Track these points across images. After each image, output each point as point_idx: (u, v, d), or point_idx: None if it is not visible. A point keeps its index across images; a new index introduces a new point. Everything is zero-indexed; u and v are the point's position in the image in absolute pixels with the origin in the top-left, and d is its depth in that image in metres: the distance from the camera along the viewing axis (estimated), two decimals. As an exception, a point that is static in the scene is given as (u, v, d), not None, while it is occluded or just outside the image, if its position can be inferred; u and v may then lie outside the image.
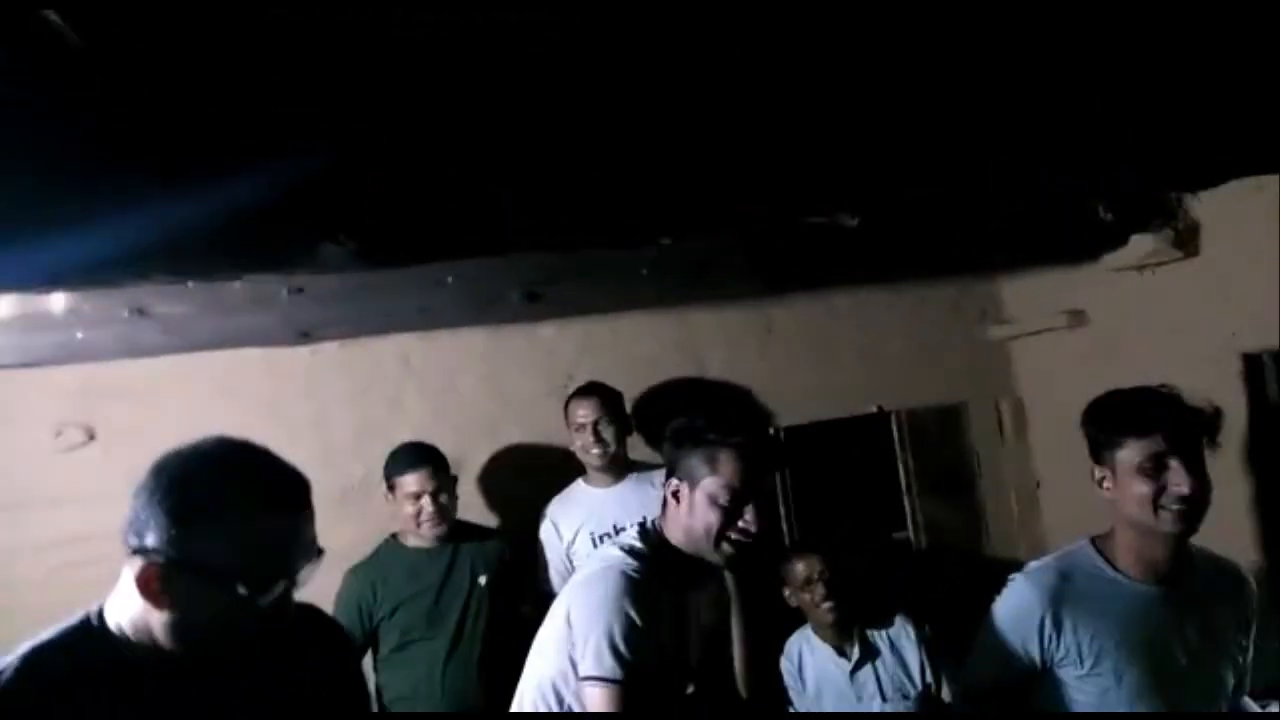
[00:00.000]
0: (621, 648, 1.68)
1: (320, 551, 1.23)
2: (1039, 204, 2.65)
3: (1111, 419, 1.87)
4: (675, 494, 1.82)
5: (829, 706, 2.86)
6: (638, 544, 1.85)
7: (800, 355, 3.61)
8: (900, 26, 1.35)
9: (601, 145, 1.80)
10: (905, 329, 3.72)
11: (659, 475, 2.98)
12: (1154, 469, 1.77)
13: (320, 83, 1.43)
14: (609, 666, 1.68)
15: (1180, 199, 2.78)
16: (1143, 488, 1.79)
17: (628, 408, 3.10)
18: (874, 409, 3.68)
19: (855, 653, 2.85)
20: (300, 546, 1.20)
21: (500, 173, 1.86)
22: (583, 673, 1.71)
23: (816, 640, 2.90)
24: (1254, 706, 1.96)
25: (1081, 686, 1.89)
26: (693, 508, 1.78)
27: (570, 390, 3.13)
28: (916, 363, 3.71)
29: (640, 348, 3.45)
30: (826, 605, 2.80)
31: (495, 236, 2.16)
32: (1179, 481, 1.75)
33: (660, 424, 3.31)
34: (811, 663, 2.91)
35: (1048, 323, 3.51)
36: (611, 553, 1.85)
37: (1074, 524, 2.03)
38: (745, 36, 1.38)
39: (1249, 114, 1.85)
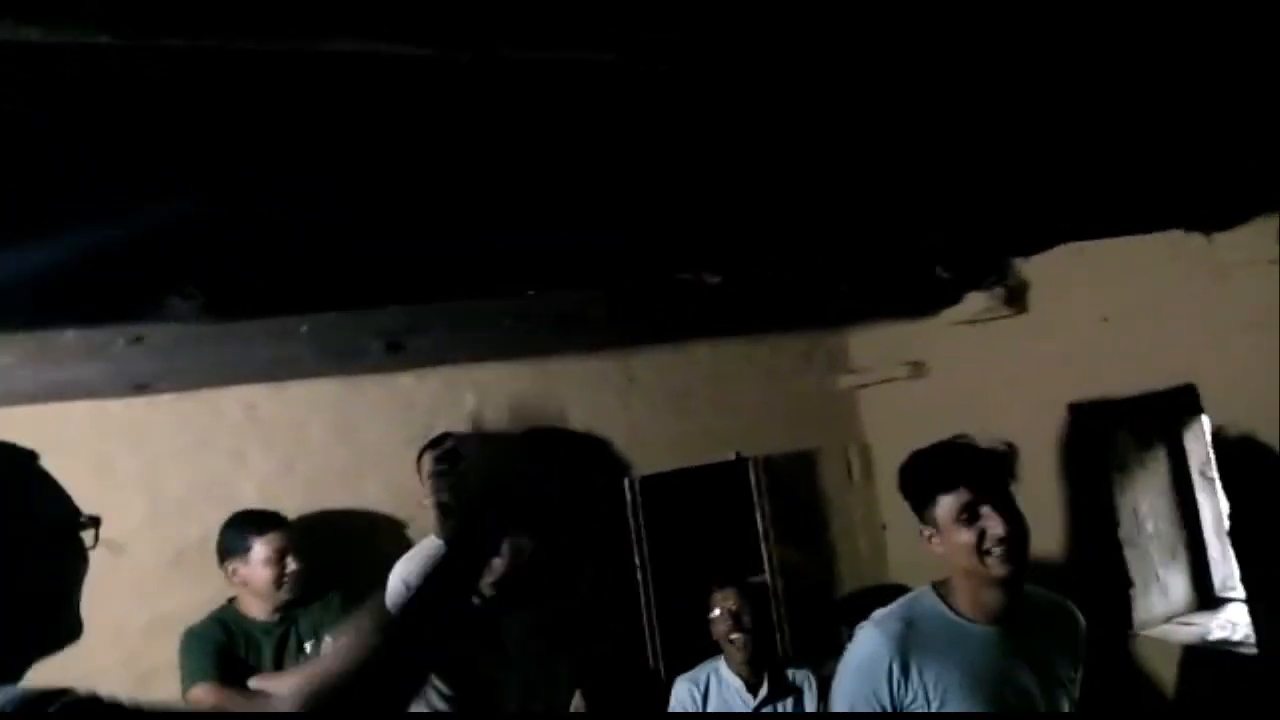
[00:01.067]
0: None
1: None
2: (884, 263, 2.80)
3: (918, 480, 1.98)
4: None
5: None
6: None
7: (661, 404, 3.66)
8: (757, 102, 1.41)
9: (467, 197, 1.78)
10: (761, 378, 3.83)
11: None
12: (969, 518, 1.88)
13: (173, 127, 1.36)
14: None
15: (1010, 261, 2.99)
16: (963, 538, 1.89)
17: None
18: (732, 456, 3.76)
19: (764, 691, 2.89)
20: None
21: (361, 222, 1.81)
22: None
23: (727, 672, 2.92)
24: None
25: None
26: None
27: (428, 440, 3.06)
28: (772, 411, 3.83)
29: (501, 398, 3.41)
30: (738, 638, 2.85)
31: (355, 288, 2.09)
32: (994, 525, 1.86)
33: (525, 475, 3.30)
34: (717, 693, 2.92)
35: (891, 372, 3.69)
36: None
37: (917, 564, 2.13)
38: (615, 100, 1.40)
39: (1073, 186, 2.01)
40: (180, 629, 2.68)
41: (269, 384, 3.03)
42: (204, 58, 1.16)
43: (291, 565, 2.69)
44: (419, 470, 2.95)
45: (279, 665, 2.68)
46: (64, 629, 1.13)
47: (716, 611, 2.91)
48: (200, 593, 2.79)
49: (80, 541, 1.15)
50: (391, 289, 2.09)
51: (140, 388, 2.51)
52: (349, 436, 3.19)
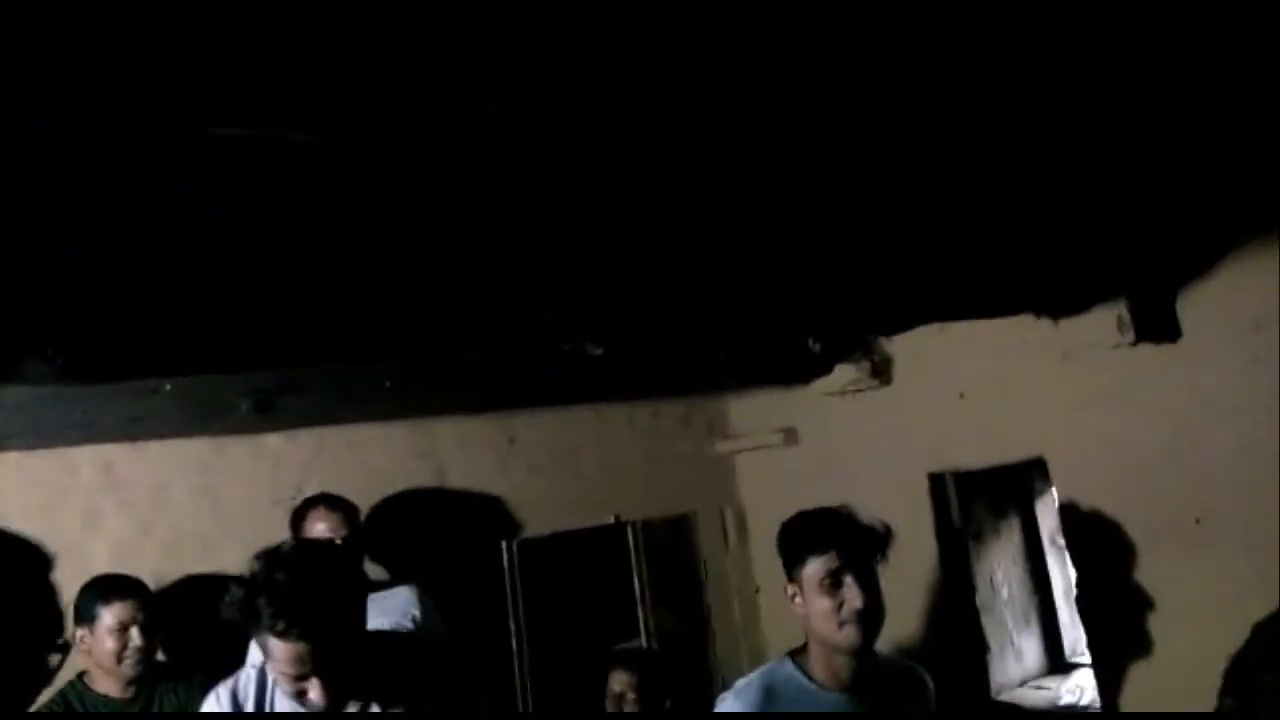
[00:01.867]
0: None
1: None
2: (760, 334, 2.89)
3: (795, 538, 2.06)
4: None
5: None
6: None
7: (541, 467, 3.65)
8: (628, 185, 1.46)
9: (342, 259, 1.77)
10: (641, 443, 3.87)
11: (391, 596, 2.88)
12: (831, 585, 1.95)
13: (27, 180, 1.31)
14: None
15: (876, 337, 3.13)
16: (823, 604, 1.96)
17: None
18: (611, 519, 3.77)
19: None
20: None
21: (231, 283, 1.77)
22: None
23: None
24: None
25: None
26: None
27: (298, 502, 2.96)
28: (651, 474, 3.86)
29: (377, 458, 3.33)
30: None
31: (224, 347, 2.03)
32: (853, 597, 1.93)
33: (399, 538, 3.23)
34: None
35: (766, 439, 3.79)
36: None
37: (789, 626, 2.18)
38: (489, 171, 1.43)
39: (933, 271, 2.14)
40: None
41: (128, 443, 2.89)
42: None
43: (135, 639, 2.49)
44: (295, 532, 2.84)
45: None
46: None
47: (610, 693, 2.88)
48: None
49: None
50: (263, 349, 2.04)
51: (-12, 445, 2.36)
52: (212, 497, 3.06)
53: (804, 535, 2.06)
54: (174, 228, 1.47)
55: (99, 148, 1.24)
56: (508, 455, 3.60)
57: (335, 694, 1.76)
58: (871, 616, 1.97)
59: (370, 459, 3.31)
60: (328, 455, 3.24)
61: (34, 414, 2.32)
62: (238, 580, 1.76)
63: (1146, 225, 2.20)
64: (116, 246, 1.47)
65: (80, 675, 2.56)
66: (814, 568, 1.99)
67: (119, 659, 2.48)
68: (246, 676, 1.93)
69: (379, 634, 2.48)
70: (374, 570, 3.09)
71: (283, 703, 1.83)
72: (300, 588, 1.69)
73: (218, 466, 3.07)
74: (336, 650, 1.74)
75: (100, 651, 2.48)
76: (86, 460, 2.89)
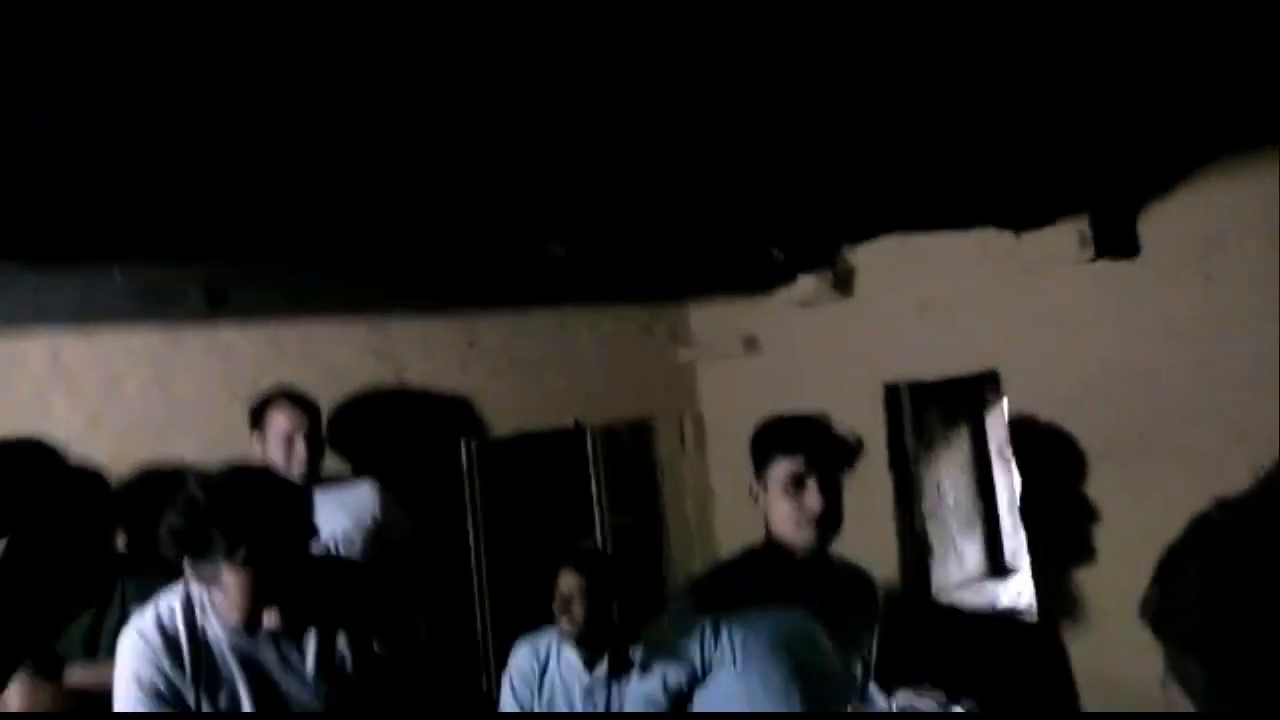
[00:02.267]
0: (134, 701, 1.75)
1: None
2: (724, 242, 2.87)
3: (766, 439, 2.10)
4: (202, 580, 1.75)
5: (556, 711, 2.85)
6: None
7: (502, 370, 3.64)
8: (612, 76, 1.42)
9: (298, 143, 1.71)
10: (602, 348, 3.87)
11: (348, 490, 2.89)
12: (794, 487, 2.00)
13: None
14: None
15: (839, 248, 3.13)
16: (784, 504, 2.01)
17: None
18: (570, 423, 3.79)
19: (602, 667, 2.88)
20: None
21: (189, 166, 1.71)
22: None
23: (568, 646, 2.90)
24: (879, 697, 2.25)
25: (734, 687, 2.09)
26: (213, 602, 1.76)
27: (256, 398, 2.93)
28: (611, 380, 3.88)
29: (334, 355, 3.30)
30: (566, 626, 2.78)
31: (177, 234, 1.97)
32: (814, 501, 1.98)
33: (359, 436, 3.23)
34: (555, 666, 2.88)
35: (727, 347, 3.81)
36: None
37: (742, 531, 2.23)
38: (468, 61, 1.38)
39: (898, 181, 2.13)
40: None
41: (77, 331, 2.83)
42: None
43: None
44: (256, 426, 2.81)
45: (98, 631, 2.50)
46: None
47: (559, 594, 2.88)
48: None
49: None
50: (216, 238, 1.99)
51: (-71, 329, 2.29)
52: (164, 389, 3.02)
53: (775, 437, 2.09)
54: (133, 104, 1.41)
55: (63, 14, 1.18)
56: (468, 357, 3.59)
57: (291, 620, 1.75)
58: (829, 521, 2.02)
59: (327, 356, 3.28)
60: (283, 351, 3.21)
61: (-22, 298, 2.26)
62: (177, 506, 1.69)
63: (1110, 141, 2.20)
64: (71, 119, 1.41)
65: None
66: (780, 469, 2.03)
67: None
68: (169, 607, 1.79)
69: (329, 558, 2.50)
70: (336, 464, 3.10)
71: (217, 630, 1.77)
72: (252, 512, 1.64)
73: (170, 359, 3.03)
74: (288, 575, 1.73)
75: None
76: (35, 349, 2.84)
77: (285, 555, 1.71)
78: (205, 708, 1.74)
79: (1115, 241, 2.45)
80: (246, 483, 1.74)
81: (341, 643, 1.86)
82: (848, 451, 2.12)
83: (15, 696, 2.32)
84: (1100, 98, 1.94)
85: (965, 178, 2.20)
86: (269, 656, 1.80)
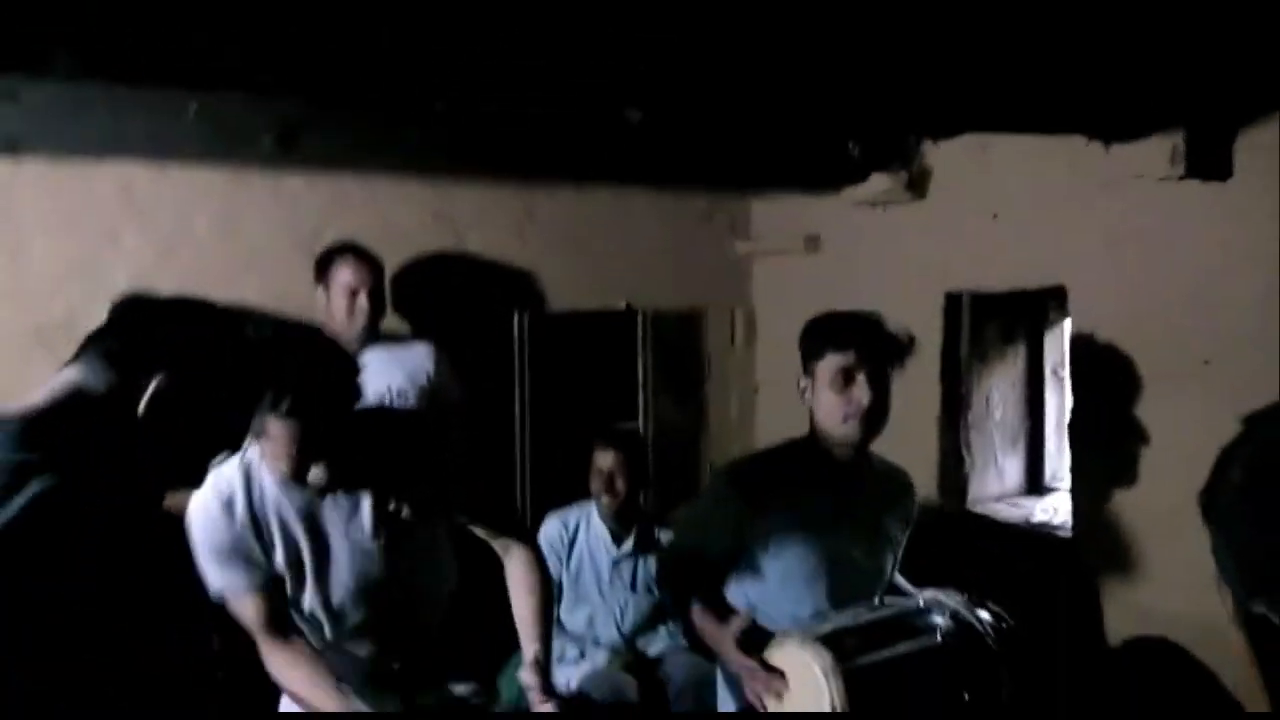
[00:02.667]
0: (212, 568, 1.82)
1: None
2: (800, 130, 2.81)
3: (818, 333, 2.09)
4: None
5: (582, 586, 2.98)
6: None
7: (558, 244, 3.63)
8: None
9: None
10: (661, 233, 3.83)
11: (406, 349, 2.95)
12: (844, 381, 2.00)
13: None
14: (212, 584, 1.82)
15: (918, 144, 3.04)
16: (832, 398, 2.01)
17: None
18: (622, 306, 3.80)
19: (629, 543, 2.98)
20: None
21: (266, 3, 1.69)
22: None
23: (597, 520, 2.99)
24: (909, 588, 2.29)
25: (767, 570, 2.14)
26: (264, 455, 1.79)
27: (320, 249, 2.97)
28: (666, 266, 3.85)
29: (395, 214, 3.31)
30: (608, 500, 2.91)
31: (252, 70, 1.96)
32: (862, 395, 1.98)
33: (417, 298, 3.27)
34: (584, 540, 2.99)
35: (787, 244, 3.76)
36: None
37: (782, 429, 2.25)
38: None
39: (989, 76, 2.05)
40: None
41: (148, 164, 2.86)
42: None
43: None
44: (321, 278, 2.85)
45: None
46: None
47: (595, 468, 2.96)
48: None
49: None
50: (293, 76, 1.97)
51: (10, 146, 2.33)
52: (232, 231, 3.05)
53: (827, 331, 2.08)
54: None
55: None
56: (525, 228, 3.58)
57: (336, 475, 1.77)
58: (875, 417, 2.03)
59: (389, 214, 3.29)
60: (347, 205, 3.21)
61: (56, 120, 2.29)
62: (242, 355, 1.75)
63: (1214, 55, 2.09)
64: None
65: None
66: (830, 363, 2.03)
67: None
68: (224, 472, 1.85)
69: (386, 410, 2.55)
70: (396, 323, 3.15)
71: (271, 485, 1.81)
72: (300, 368, 1.68)
73: (239, 201, 3.06)
74: (333, 432, 1.74)
75: None
76: (108, 179, 2.87)
77: (329, 412, 1.73)
78: (270, 559, 1.81)
79: (1207, 162, 2.35)
80: (296, 339, 1.79)
81: (396, 497, 1.89)
82: (899, 348, 2.10)
83: None
84: (1211, 7, 1.84)
85: (1060, 79, 2.10)
86: (327, 511, 1.85)
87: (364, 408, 1.88)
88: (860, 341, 2.02)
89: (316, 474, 1.74)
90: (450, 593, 2.06)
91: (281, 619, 1.84)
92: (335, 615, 1.89)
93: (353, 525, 1.86)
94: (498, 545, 2.06)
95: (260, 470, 1.82)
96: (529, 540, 2.13)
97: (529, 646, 1.95)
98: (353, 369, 1.80)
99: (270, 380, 1.66)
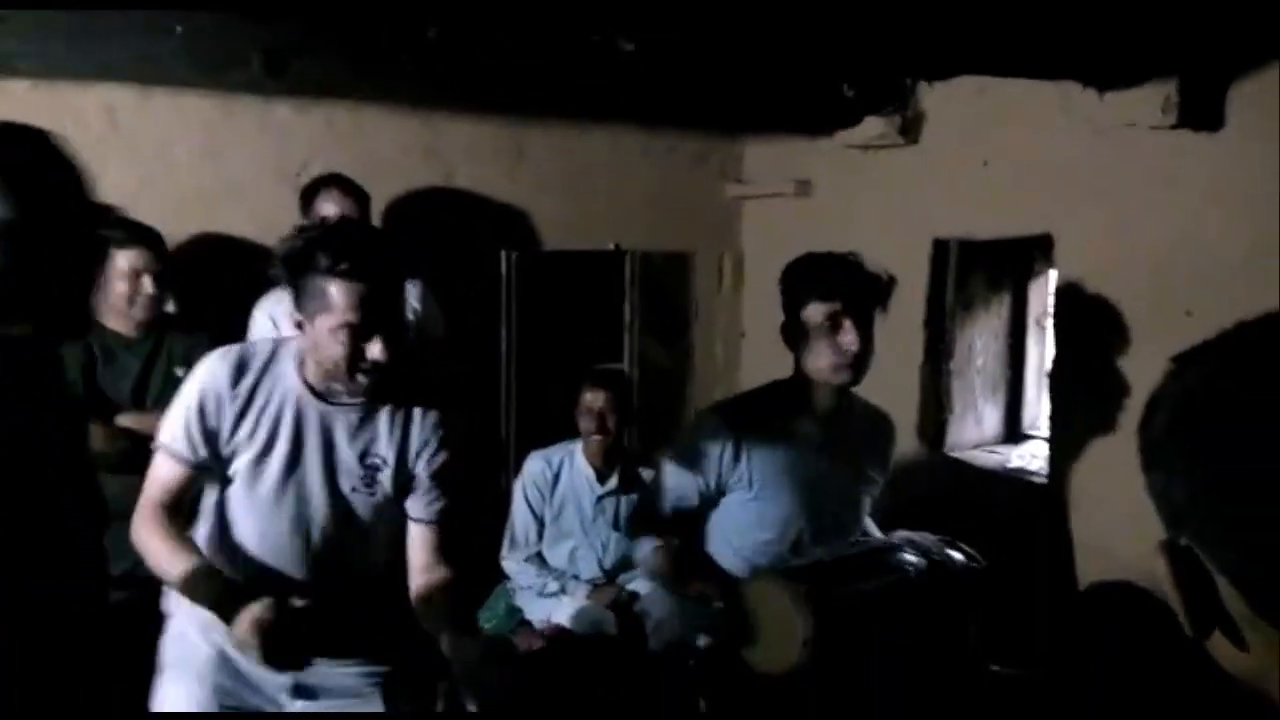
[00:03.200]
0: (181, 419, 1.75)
1: None
2: (793, 71, 2.78)
3: (801, 280, 2.10)
4: (299, 325, 1.73)
5: (564, 523, 3.02)
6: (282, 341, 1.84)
7: (548, 184, 3.61)
8: None
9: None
10: (651, 174, 3.82)
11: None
12: (830, 327, 2.03)
13: None
14: (165, 433, 1.77)
15: (914, 87, 3.02)
16: (819, 343, 2.04)
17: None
18: (611, 246, 3.79)
19: (613, 482, 3.02)
20: None
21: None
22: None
23: (581, 458, 3.02)
24: (875, 530, 2.35)
25: (746, 506, 2.18)
26: (315, 343, 1.70)
27: (305, 180, 2.94)
28: (656, 207, 3.84)
29: (385, 147, 3.29)
30: (598, 439, 2.93)
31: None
32: (850, 341, 2.02)
33: (405, 232, 3.25)
34: (568, 478, 3.02)
35: (778, 187, 3.74)
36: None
37: (768, 373, 2.28)
38: None
39: (986, 16, 2.04)
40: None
41: (134, 87, 2.82)
42: None
43: (148, 287, 2.55)
44: (305, 208, 2.82)
45: (145, 383, 2.62)
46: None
47: (584, 407, 2.97)
48: (44, 298, 2.67)
49: None
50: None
51: (-4, 65, 2.29)
52: (216, 161, 3.03)
53: (810, 279, 2.10)
54: None
55: None
56: (516, 166, 3.56)
57: (393, 352, 1.67)
58: (862, 361, 2.06)
59: (377, 147, 3.26)
60: (335, 136, 3.19)
61: (41, 41, 2.24)
62: (287, 241, 1.68)
63: (1213, 3, 2.08)
64: None
65: (89, 311, 2.63)
66: (815, 310, 2.05)
67: (130, 302, 2.55)
68: (255, 346, 1.83)
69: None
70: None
71: (291, 379, 1.77)
72: (358, 231, 1.67)
73: (224, 130, 3.02)
74: (394, 297, 1.70)
75: (111, 291, 2.55)
76: (92, 105, 2.83)
77: (392, 274, 1.68)
78: (236, 437, 1.76)
79: (1200, 111, 2.35)
80: (350, 219, 1.72)
81: (389, 442, 1.84)
82: (882, 289, 2.14)
83: None
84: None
85: (1058, 23, 2.09)
86: (330, 421, 1.79)
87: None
88: (845, 289, 2.04)
89: (376, 349, 1.65)
90: (370, 579, 1.92)
91: (181, 506, 1.79)
92: (258, 533, 1.81)
93: (344, 447, 1.81)
94: (428, 558, 1.88)
95: (289, 356, 1.77)
96: (458, 577, 1.91)
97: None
98: (404, 247, 1.78)
99: (331, 242, 1.60)
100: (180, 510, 1.80)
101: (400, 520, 1.90)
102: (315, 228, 1.71)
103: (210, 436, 1.76)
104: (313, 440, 1.79)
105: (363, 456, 1.82)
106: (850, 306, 2.03)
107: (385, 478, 1.84)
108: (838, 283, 2.06)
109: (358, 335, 1.65)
